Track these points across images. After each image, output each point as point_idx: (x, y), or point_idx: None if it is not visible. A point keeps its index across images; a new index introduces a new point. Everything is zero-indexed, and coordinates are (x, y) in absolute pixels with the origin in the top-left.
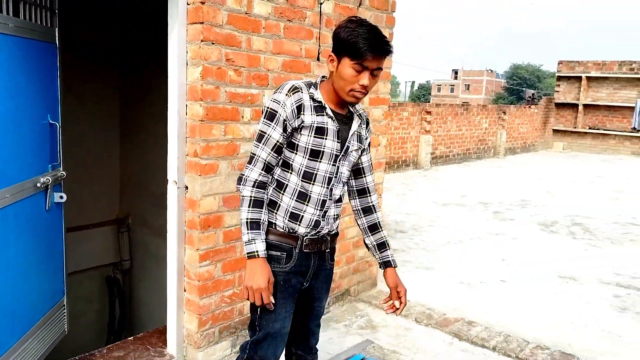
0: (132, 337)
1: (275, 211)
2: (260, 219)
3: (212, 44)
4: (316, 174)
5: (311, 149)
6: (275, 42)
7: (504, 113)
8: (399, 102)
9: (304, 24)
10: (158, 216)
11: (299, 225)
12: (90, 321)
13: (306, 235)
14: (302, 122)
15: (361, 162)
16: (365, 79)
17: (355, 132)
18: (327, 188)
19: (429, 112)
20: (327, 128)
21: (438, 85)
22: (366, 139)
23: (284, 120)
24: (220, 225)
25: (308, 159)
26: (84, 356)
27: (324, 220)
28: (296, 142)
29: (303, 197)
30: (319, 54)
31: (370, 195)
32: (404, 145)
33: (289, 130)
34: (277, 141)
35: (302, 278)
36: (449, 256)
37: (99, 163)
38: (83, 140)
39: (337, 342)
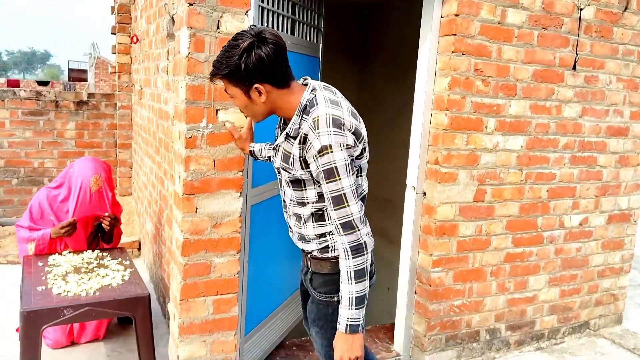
0: None
1: None
2: None
3: (462, 54)
4: None
5: None
6: (527, 51)
7: None
8: None
9: (560, 32)
10: (381, 219)
11: None
12: None
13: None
14: None
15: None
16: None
17: (280, 148)
18: (283, 201)
19: None
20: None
21: None
22: (306, 163)
23: None
24: (454, 234)
25: None
26: None
27: (291, 233)
28: None
29: None
30: (575, 62)
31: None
32: None
33: None
34: None
35: (301, 280)
36: None
37: None
38: None
39: None
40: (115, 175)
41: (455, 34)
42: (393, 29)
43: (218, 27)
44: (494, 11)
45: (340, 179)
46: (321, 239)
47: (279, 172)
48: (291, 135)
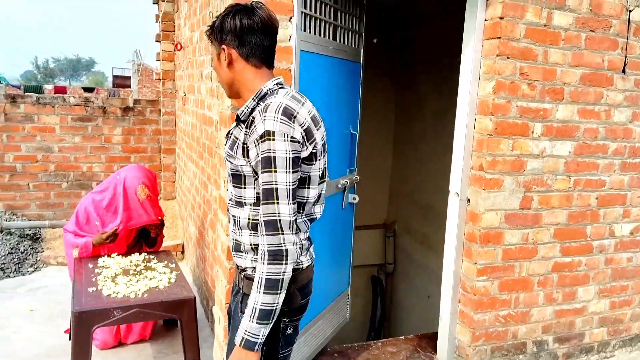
0: (402, 337)
1: None
2: None
3: (507, 58)
4: None
5: None
6: (574, 54)
7: None
8: None
9: (609, 34)
10: (421, 225)
11: None
12: (355, 314)
13: None
14: None
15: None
16: None
17: (232, 136)
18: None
19: None
20: None
21: None
22: (247, 150)
23: None
24: (499, 242)
25: None
26: (363, 345)
27: (231, 241)
28: None
29: None
30: (624, 65)
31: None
32: None
33: None
34: None
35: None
36: None
37: (373, 171)
38: (362, 148)
39: None
40: (159, 179)
41: (499, 37)
42: (433, 32)
43: None
44: (540, 13)
45: (276, 171)
46: (256, 255)
47: (226, 165)
48: (241, 119)
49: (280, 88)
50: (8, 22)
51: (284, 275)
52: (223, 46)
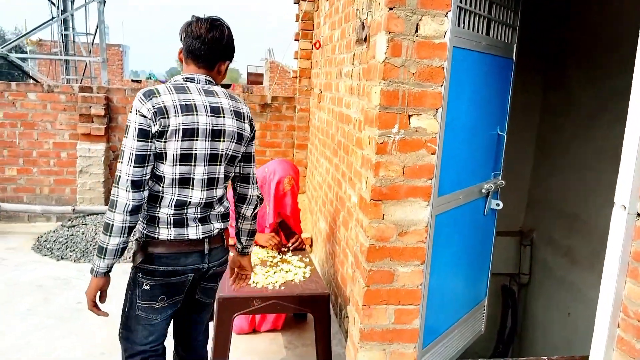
0: (545, 358)
1: None
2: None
3: None
4: None
5: None
6: None
7: None
8: None
9: None
10: (565, 236)
11: None
12: None
13: None
14: None
15: None
16: None
17: None
18: None
19: None
20: None
21: None
22: None
23: None
24: None
25: None
26: None
27: None
28: None
29: None
30: None
31: None
32: None
33: None
34: None
35: None
36: None
37: (511, 174)
38: None
39: None
40: None
41: None
42: (588, 26)
43: (416, 31)
44: None
45: (126, 137)
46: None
47: None
48: None
49: (184, 81)
50: (155, 24)
51: (112, 221)
52: (180, 46)
